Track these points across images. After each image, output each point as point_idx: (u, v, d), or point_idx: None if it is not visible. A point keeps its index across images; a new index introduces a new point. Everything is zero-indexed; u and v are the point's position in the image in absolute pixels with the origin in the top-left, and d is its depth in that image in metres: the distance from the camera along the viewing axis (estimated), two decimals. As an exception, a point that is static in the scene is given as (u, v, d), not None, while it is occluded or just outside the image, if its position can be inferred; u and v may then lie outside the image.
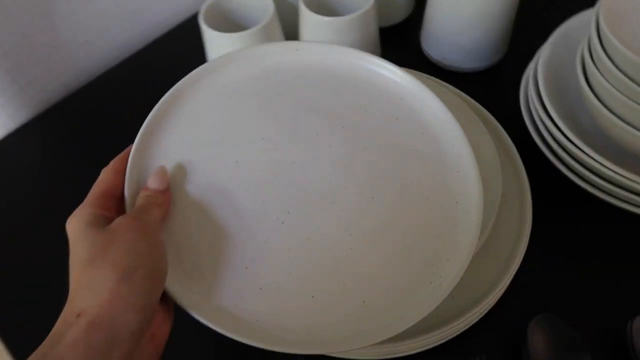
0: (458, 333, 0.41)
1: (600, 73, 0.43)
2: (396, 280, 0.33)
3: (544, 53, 0.51)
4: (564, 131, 0.45)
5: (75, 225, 0.29)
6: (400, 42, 0.67)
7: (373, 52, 0.53)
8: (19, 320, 0.48)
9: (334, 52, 0.40)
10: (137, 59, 0.70)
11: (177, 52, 0.70)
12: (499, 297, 0.42)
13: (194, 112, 0.38)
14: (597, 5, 0.44)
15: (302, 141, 0.37)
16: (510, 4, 0.56)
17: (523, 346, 0.41)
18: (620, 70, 0.41)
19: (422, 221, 0.35)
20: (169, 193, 0.34)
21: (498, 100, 0.57)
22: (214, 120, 0.38)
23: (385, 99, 0.39)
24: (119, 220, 0.29)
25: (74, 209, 0.30)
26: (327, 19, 0.53)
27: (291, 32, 0.61)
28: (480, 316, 0.42)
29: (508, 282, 0.42)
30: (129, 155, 0.34)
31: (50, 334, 0.25)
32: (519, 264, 0.43)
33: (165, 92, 0.37)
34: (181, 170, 0.35)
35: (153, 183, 0.33)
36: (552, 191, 0.51)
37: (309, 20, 0.54)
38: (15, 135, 0.64)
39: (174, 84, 0.38)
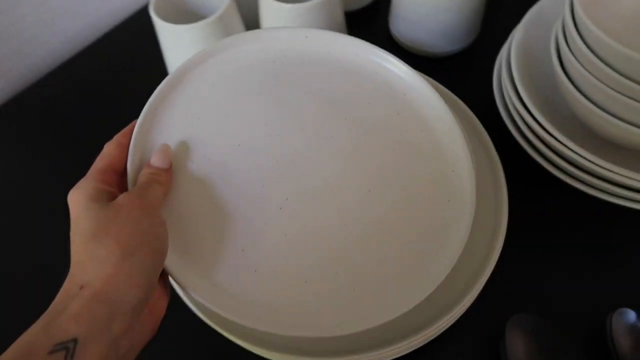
0: (434, 337, 0.40)
1: (576, 58, 0.40)
2: (387, 272, 0.34)
3: (517, 36, 0.49)
4: (538, 119, 0.43)
5: (78, 198, 0.29)
6: (368, 26, 0.64)
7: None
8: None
9: (341, 41, 0.40)
10: (89, 52, 0.66)
11: (131, 43, 0.66)
12: (475, 297, 0.40)
13: (198, 93, 0.38)
14: (570, -15, 0.41)
15: (305, 129, 0.37)
16: (482, -17, 0.53)
17: (501, 347, 0.40)
18: (596, 55, 0.38)
19: (416, 216, 0.36)
20: (171, 171, 0.34)
21: (471, 86, 0.55)
22: (219, 102, 0.38)
23: (389, 93, 0.40)
24: (123, 197, 0.29)
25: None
26: (287, 6, 0.49)
27: (251, 22, 0.57)
28: (456, 318, 0.40)
29: (485, 281, 0.41)
30: (132, 130, 0.34)
31: (52, 305, 0.25)
32: (496, 261, 0.41)
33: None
34: (184, 149, 0.36)
35: (156, 161, 0.33)
36: (529, 183, 0.49)
37: (269, 8, 0.51)
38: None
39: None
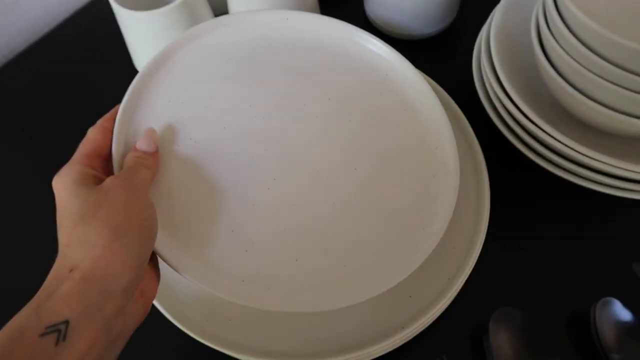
0: (416, 334, 0.39)
1: (557, 41, 0.39)
2: (375, 247, 0.35)
3: (496, 17, 0.47)
4: (519, 105, 0.42)
5: (64, 183, 0.29)
6: (342, 8, 0.61)
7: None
8: None
9: (323, 23, 0.41)
10: (47, 40, 0.62)
11: (94, 30, 0.62)
12: (457, 291, 0.39)
13: (182, 76, 0.38)
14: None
15: (289, 110, 0.38)
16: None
17: (485, 342, 0.39)
18: (577, 38, 0.37)
19: (401, 193, 0.37)
20: (157, 155, 0.34)
21: (449, 69, 0.53)
22: (203, 84, 0.38)
23: (372, 73, 0.41)
24: (110, 180, 0.29)
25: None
26: (256, -11, 0.47)
27: (219, 7, 0.54)
28: (439, 314, 0.39)
29: (467, 275, 0.40)
30: (116, 115, 0.34)
31: (42, 287, 0.25)
32: (478, 254, 0.40)
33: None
34: (169, 132, 0.36)
35: (142, 144, 0.33)
36: (511, 171, 0.48)
37: (237, -8, 0.48)
38: None
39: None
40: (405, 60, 0.41)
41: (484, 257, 0.41)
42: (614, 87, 0.36)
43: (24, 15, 0.62)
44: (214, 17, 0.42)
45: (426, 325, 0.39)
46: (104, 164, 0.33)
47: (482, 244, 0.41)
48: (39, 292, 0.25)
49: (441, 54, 0.57)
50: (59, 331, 0.23)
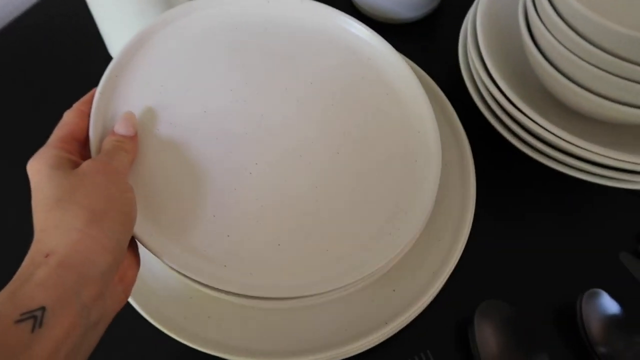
0: (400, 329, 0.38)
1: (545, 27, 0.37)
2: (358, 232, 0.34)
3: (482, 1, 0.45)
4: (505, 91, 0.40)
5: (38, 167, 0.28)
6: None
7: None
8: None
9: (305, 6, 0.41)
10: (17, 25, 0.59)
11: (64, 14, 0.59)
12: (442, 285, 0.39)
13: (161, 59, 0.37)
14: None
15: (271, 94, 0.37)
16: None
17: (470, 335, 0.38)
18: (566, 23, 0.35)
19: (384, 177, 0.36)
20: (136, 139, 0.33)
21: (434, 55, 0.52)
22: (182, 67, 0.37)
23: (354, 58, 0.40)
24: (87, 164, 0.29)
25: None
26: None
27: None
28: (423, 308, 0.38)
29: (452, 268, 0.39)
30: (93, 98, 0.33)
31: (17, 273, 0.25)
32: (464, 246, 0.39)
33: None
34: (148, 116, 0.35)
35: (120, 128, 0.32)
36: (497, 159, 0.47)
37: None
38: None
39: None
40: (388, 45, 0.41)
41: (469, 249, 0.40)
42: (603, 73, 0.35)
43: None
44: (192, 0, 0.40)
45: (410, 320, 0.38)
46: (81, 148, 0.32)
47: (467, 236, 0.40)
48: (13, 279, 0.24)
49: (426, 39, 0.56)
50: (35, 317, 0.23)
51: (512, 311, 0.38)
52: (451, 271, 0.39)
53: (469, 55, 0.45)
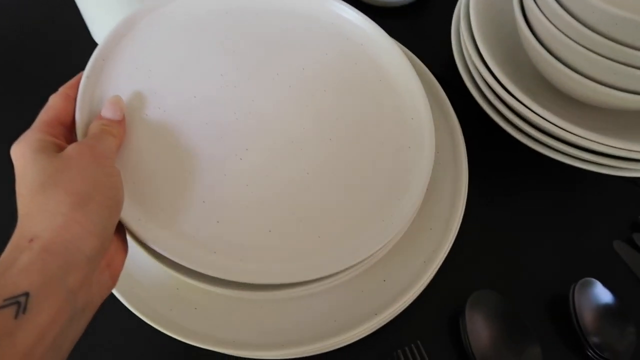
0: (390, 319, 0.37)
1: (539, 8, 0.36)
2: (350, 218, 0.34)
3: (476, -17, 0.44)
4: (498, 76, 0.39)
5: (23, 150, 0.27)
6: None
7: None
8: None
9: None
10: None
11: (42, 4, 0.58)
12: (433, 275, 0.38)
13: (149, 43, 0.37)
14: None
15: (262, 80, 0.37)
16: None
17: (462, 325, 0.38)
18: (561, 5, 0.34)
19: (377, 163, 0.36)
20: (124, 123, 0.33)
21: (427, 38, 0.51)
22: (171, 52, 0.37)
23: (347, 43, 0.40)
24: (73, 147, 0.28)
25: None
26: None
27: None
28: (414, 298, 0.37)
29: (443, 258, 0.38)
30: (79, 82, 0.33)
31: (0, 259, 0.24)
32: (455, 235, 0.39)
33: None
34: (136, 101, 0.34)
35: (108, 112, 0.32)
36: (490, 148, 0.46)
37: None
38: None
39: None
40: (381, 30, 0.40)
41: (460, 239, 0.39)
42: (597, 57, 0.34)
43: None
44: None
45: (400, 311, 0.37)
46: (66, 132, 0.31)
47: (459, 224, 0.39)
48: None
49: (419, 23, 0.55)
50: (19, 303, 0.22)
51: (504, 301, 0.38)
52: (442, 261, 0.38)
53: (462, 39, 0.44)
